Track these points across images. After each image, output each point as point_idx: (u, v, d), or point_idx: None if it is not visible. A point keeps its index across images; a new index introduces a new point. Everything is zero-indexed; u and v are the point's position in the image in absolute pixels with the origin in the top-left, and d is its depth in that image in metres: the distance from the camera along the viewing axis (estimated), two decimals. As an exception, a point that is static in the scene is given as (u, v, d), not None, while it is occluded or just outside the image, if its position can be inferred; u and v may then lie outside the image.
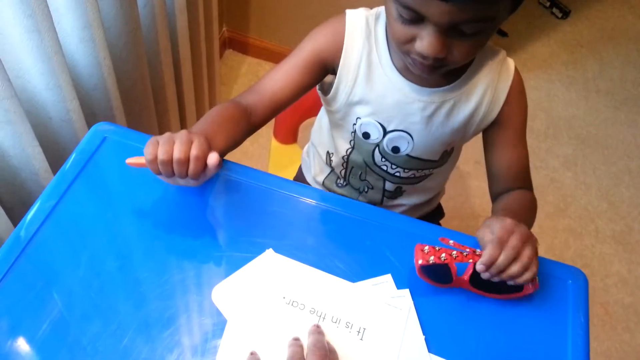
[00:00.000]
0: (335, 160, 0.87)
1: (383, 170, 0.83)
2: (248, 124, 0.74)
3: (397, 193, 0.89)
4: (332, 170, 0.90)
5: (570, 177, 1.76)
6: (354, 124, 0.78)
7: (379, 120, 0.76)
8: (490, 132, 0.79)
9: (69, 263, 0.62)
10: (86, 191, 0.68)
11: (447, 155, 0.82)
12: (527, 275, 0.60)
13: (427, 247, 0.61)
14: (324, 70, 0.76)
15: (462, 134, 0.78)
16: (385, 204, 0.91)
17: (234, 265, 0.64)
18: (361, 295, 0.63)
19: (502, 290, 0.64)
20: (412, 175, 0.84)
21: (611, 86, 2.08)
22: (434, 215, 1.02)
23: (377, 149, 0.80)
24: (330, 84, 0.78)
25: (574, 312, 0.65)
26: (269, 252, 0.66)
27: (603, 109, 2.00)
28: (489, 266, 0.59)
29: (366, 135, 0.78)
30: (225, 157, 0.71)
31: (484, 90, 0.73)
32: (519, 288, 0.64)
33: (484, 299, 0.65)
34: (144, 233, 0.65)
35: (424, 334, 0.61)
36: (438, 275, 0.64)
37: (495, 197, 0.81)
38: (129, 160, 0.62)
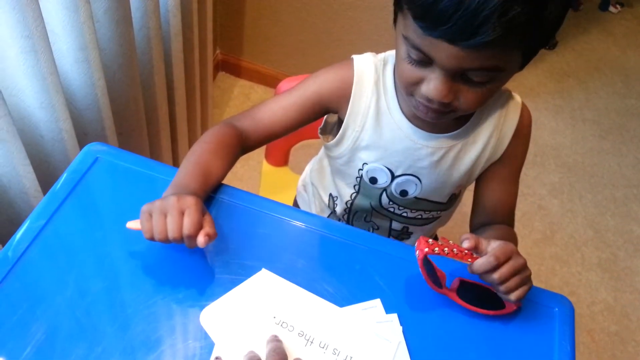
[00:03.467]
0: (338, 204, 0.87)
1: (390, 211, 0.83)
2: (242, 148, 0.76)
3: (404, 234, 0.88)
4: (334, 212, 0.90)
5: (557, 204, 1.78)
6: (360, 169, 0.78)
7: (386, 165, 0.76)
8: (489, 166, 0.79)
9: (56, 284, 0.61)
10: (76, 212, 0.68)
11: (454, 197, 0.83)
12: (521, 291, 0.61)
13: (431, 240, 0.61)
14: (325, 112, 0.77)
15: (469, 176, 0.78)
16: None
17: (223, 287, 0.64)
18: (350, 322, 0.63)
19: (486, 306, 0.65)
20: (420, 216, 0.84)
21: (597, 115, 2.13)
22: None
23: (384, 192, 0.80)
24: (333, 126, 0.79)
25: (560, 340, 0.66)
26: (264, 271, 0.66)
27: (589, 137, 2.04)
28: (479, 272, 0.60)
29: (373, 180, 0.79)
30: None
31: (491, 133, 0.74)
32: (502, 305, 0.65)
33: (474, 327, 0.65)
34: (133, 255, 0.65)
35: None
36: (433, 274, 0.64)
37: (476, 227, 0.81)
38: (129, 225, 0.62)
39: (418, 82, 0.62)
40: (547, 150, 1.95)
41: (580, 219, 1.75)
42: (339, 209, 0.88)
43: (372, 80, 0.72)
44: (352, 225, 0.89)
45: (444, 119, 0.67)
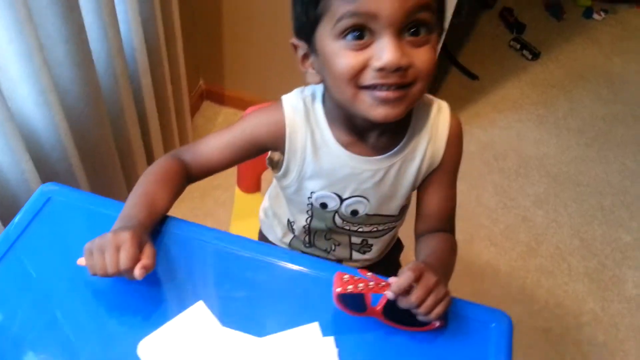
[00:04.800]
0: (297, 228, 0.89)
1: (346, 229, 0.85)
2: (186, 179, 0.79)
3: (365, 247, 0.90)
4: (295, 236, 0.92)
5: (542, 215, 1.78)
6: (309, 197, 0.80)
7: (333, 191, 0.78)
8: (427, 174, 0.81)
9: (3, 320, 0.64)
10: (26, 252, 0.71)
11: (405, 208, 0.85)
12: (437, 311, 0.62)
13: (347, 276, 0.62)
14: (264, 150, 0.79)
15: (412, 188, 0.80)
16: (355, 259, 0.93)
17: (163, 318, 0.65)
18: (278, 350, 0.64)
19: (412, 323, 0.66)
20: (375, 229, 0.86)
21: (581, 124, 2.13)
22: (394, 248, 1.03)
23: (336, 214, 0.82)
24: (279, 161, 0.81)
25: (496, 355, 0.66)
26: (200, 304, 0.68)
27: (574, 146, 2.04)
28: (397, 293, 0.61)
29: (324, 206, 0.81)
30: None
31: (426, 145, 0.76)
32: (427, 322, 0.66)
33: (411, 346, 0.66)
34: (78, 290, 0.67)
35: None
36: (354, 303, 0.65)
37: (419, 234, 0.83)
38: (79, 262, 0.65)
39: (365, 65, 0.60)
40: (531, 161, 1.96)
41: (566, 229, 1.75)
42: (297, 232, 0.90)
43: (303, 117, 0.74)
44: (314, 243, 0.91)
45: (404, 104, 0.64)
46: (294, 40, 0.69)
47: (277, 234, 0.96)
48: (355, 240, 0.88)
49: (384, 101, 0.62)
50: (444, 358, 0.65)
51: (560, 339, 1.47)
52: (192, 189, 1.82)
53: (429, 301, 0.61)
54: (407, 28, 0.60)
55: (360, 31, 0.59)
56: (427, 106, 0.76)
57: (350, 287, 0.61)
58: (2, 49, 0.81)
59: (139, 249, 0.63)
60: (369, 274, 0.64)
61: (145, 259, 0.62)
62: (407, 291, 0.61)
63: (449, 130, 0.77)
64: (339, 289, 0.61)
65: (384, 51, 0.59)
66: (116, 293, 0.68)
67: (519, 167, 1.93)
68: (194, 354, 0.64)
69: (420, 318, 0.63)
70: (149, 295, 0.68)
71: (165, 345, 0.64)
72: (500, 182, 1.87)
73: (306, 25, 0.64)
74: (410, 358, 0.65)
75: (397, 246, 1.05)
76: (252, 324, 0.66)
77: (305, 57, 0.69)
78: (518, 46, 2.42)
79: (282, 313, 0.69)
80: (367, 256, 0.92)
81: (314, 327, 0.67)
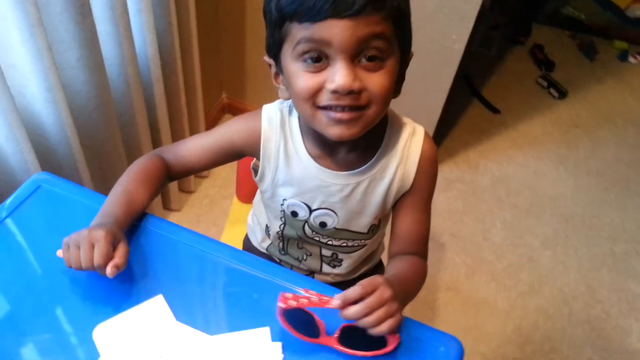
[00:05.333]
0: (272, 234, 0.92)
1: (316, 240, 0.87)
2: (167, 178, 0.83)
3: (335, 261, 0.92)
4: (271, 242, 0.96)
5: (549, 256, 1.74)
6: (282, 204, 0.83)
7: (303, 201, 0.81)
8: (400, 196, 0.82)
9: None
10: (10, 233, 0.76)
11: (376, 228, 0.86)
12: (388, 324, 0.61)
13: (289, 294, 0.64)
14: (241, 155, 0.83)
15: (383, 207, 0.82)
16: (325, 272, 0.94)
17: (122, 307, 0.69)
18: (226, 351, 0.67)
19: (369, 347, 0.66)
20: (345, 244, 0.88)
21: (603, 167, 2.08)
22: (376, 269, 1.03)
23: (306, 224, 0.84)
24: (257, 167, 0.84)
25: (442, 380, 0.66)
26: (159, 298, 0.71)
27: (592, 189, 1.99)
28: (343, 302, 0.61)
29: (294, 214, 0.83)
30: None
31: (396, 167, 0.78)
32: (384, 344, 0.66)
33: (354, 358, 0.67)
34: (49, 273, 0.72)
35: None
36: (302, 326, 0.66)
37: (391, 256, 0.84)
38: (58, 253, 0.69)
39: (321, 87, 0.63)
40: (545, 200, 1.92)
41: (573, 273, 1.70)
42: (272, 238, 0.93)
43: (279, 125, 0.78)
44: (288, 251, 0.93)
45: (359, 125, 0.66)
46: (266, 58, 0.73)
47: (257, 238, 0.99)
48: (326, 252, 0.90)
49: (339, 121, 0.65)
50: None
51: (552, 385, 1.43)
52: (201, 197, 1.88)
53: (380, 312, 0.61)
54: (362, 54, 0.62)
55: (316, 55, 0.62)
56: (401, 128, 0.78)
57: (293, 302, 0.63)
58: (15, 49, 0.88)
59: (113, 246, 0.67)
60: (312, 292, 0.65)
61: (117, 258, 0.66)
62: (354, 303, 0.61)
63: (421, 154, 0.78)
64: (282, 305, 0.63)
65: (337, 75, 0.62)
66: (82, 281, 0.72)
67: (531, 206, 1.89)
68: (145, 343, 0.67)
69: (371, 331, 0.62)
70: (113, 285, 0.71)
71: (120, 333, 0.67)
72: (510, 218, 1.84)
73: (273, 46, 0.68)
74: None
75: (378, 268, 1.06)
76: (206, 322, 0.69)
77: (277, 74, 0.73)
78: (545, 84, 2.40)
79: (236, 315, 0.71)
80: (337, 270, 0.93)
81: (265, 332, 0.69)
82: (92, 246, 0.65)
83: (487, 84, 2.41)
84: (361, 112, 0.65)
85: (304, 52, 0.63)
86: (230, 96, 2.03)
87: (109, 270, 0.65)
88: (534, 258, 1.73)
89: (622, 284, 1.68)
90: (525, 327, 1.54)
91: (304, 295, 0.64)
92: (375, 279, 0.63)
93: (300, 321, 0.66)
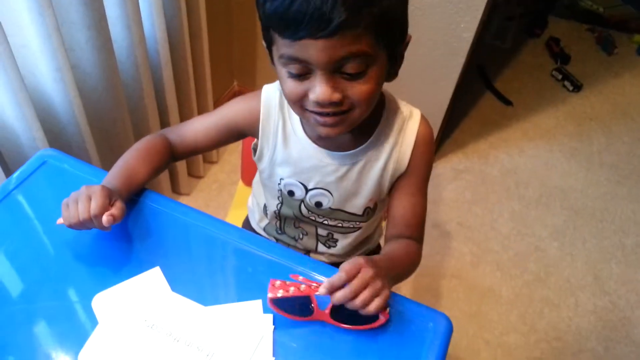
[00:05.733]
0: (269, 213, 0.95)
1: (312, 220, 0.89)
2: (170, 157, 0.86)
3: (330, 241, 0.94)
4: (269, 221, 0.98)
5: (557, 247, 1.73)
6: (279, 183, 0.85)
7: (300, 180, 0.83)
8: (396, 180, 0.83)
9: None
10: (17, 203, 0.80)
11: (371, 211, 0.87)
12: (375, 304, 0.63)
13: (278, 282, 0.66)
14: (243, 135, 0.85)
15: (378, 190, 0.83)
16: (320, 251, 0.96)
17: (121, 277, 0.72)
18: (219, 321, 0.69)
19: (359, 322, 0.68)
20: (340, 225, 0.89)
21: (617, 160, 2.05)
22: (373, 253, 1.04)
23: (302, 204, 0.87)
24: (257, 146, 0.87)
25: (428, 353, 0.67)
26: (156, 270, 0.74)
27: (604, 182, 1.96)
28: (329, 289, 0.63)
29: (291, 193, 0.86)
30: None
31: (391, 149, 0.79)
32: (374, 319, 0.67)
33: (344, 332, 0.69)
34: (52, 241, 0.75)
35: (277, 358, 0.65)
36: (295, 308, 0.68)
37: (389, 238, 0.85)
38: (59, 221, 0.72)
39: (305, 95, 0.66)
40: (555, 192, 1.90)
41: (580, 264, 1.69)
42: (269, 217, 0.95)
43: (278, 105, 0.80)
44: (285, 230, 0.95)
45: (344, 125, 0.69)
46: (264, 43, 0.74)
47: (256, 218, 1.01)
48: (322, 232, 0.92)
49: (324, 124, 0.68)
50: (377, 352, 0.67)
51: (555, 374, 1.42)
52: (210, 182, 1.91)
53: (366, 294, 0.63)
54: (342, 68, 0.63)
55: (299, 65, 0.64)
56: (398, 111, 0.79)
57: (280, 292, 0.65)
58: (25, 28, 0.91)
59: (109, 201, 0.70)
60: (301, 277, 0.67)
61: (114, 209, 0.69)
62: (340, 288, 0.63)
63: (417, 137, 0.79)
64: (270, 295, 0.65)
65: (317, 88, 0.64)
66: (84, 252, 0.75)
67: (541, 197, 1.88)
68: (142, 311, 0.69)
69: (362, 311, 0.64)
70: (113, 257, 0.75)
71: (117, 301, 0.70)
72: (519, 209, 1.83)
73: (265, 40, 0.70)
74: (342, 346, 0.68)
75: (376, 252, 1.07)
76: (200, 294, 0.71)
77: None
78: (560, 76, 2.37)
79: (230, 288, 0.74)
80: (332, 251, 0.95)
81: (257, 304, 0.71)
82: (89, 199, 0.68)
83: (500, 75, 2.39)
84: (345, 116, 0.68)
85: (288, 64, 0.65)
86: (241, 84, 2.05)
87: (105, 219, 0.67)
88: (541, 248, 1.72)
89: (631, 275, 1.66)
90: (530, 316, 1.53)
91: (293, 282, 0.66)
92: (357, 260, 0.65)
93: (292, 302, 0.67)
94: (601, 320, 1.54)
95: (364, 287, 0.63)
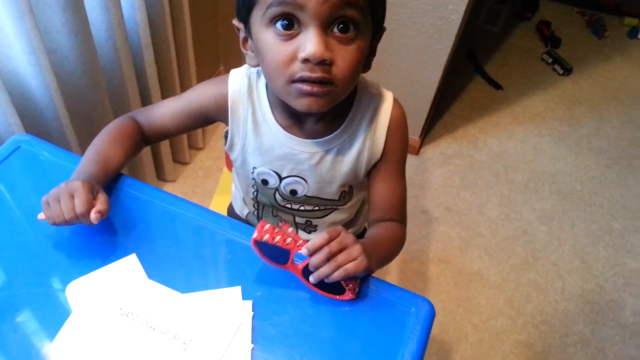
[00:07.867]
0: (247, 201, 0.93)
1: (288, 208, 0.88)
2: (142, 140, 0.83)
3: (310, 227, 0.93)
4: (249, 210, 0.96)
5: (545, 231, 1.73)
6: (252, 172, 0.83)
7: (272, 169, 0.81)
8: (373, 165, 0.82)
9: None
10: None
11: (347, 194, 0.86)
12: (348, 267, 0.63)
13: (268, 226, 0.65)
14: (211, 120, 0.82)
15: (354, 175, 0.81)
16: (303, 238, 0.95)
17: (96, 265, 0.70)
18: (196, 308, 0.67)
19: (326, 289, 0.68)
20: (317, 209, 0.88)
21: (606, 144, 2.05)
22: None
23: (277, 192, 0.85)
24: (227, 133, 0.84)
25: (409, 338, 0.66)
26: (132, 257, 0.72)
27: (593, 166, 1.96)
28: (311, 251, 0.63)
29: (265, 182, 0.84)
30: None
31: (365, 135, 0.77)
32: (341, 290, 0.68)
33: (326, 320, 0.68)
34: (26, 230, 0.73)
35: (256, 344, 0.64)
36: (273, 253, 0.68)
37: (370, 223, 0.84)
38: (40, 216, 0.69)
39: (294, 56, 0.62)
40: (543, 176, 1.90)
41: (568, 248, 1.69)
42: (248, 205, 0.94)
43: (246, 93, 0.77)
44: (263, 218, 0.94)
45: (328, 99, 0.66)
46: (235, 22, 0.71)
47: (238, 206, 1.00)
48: (300, 220, 0.91)
49: (309, 94, 0.64)
50: (358, 338, 0.67)
51: (542, 357, 1.43)
52: (196, 168, 1.89)
53: (340, 257, 0.63)
54: (335, 23, 0.61)
55: (288, 20, 0.61)
56: (370, 96, 0.77)
57: (266, 236, 0.64)
58: (-3, 9, 0.88)
59: (92, 195, 0.67)
60: (290, 229, 0.66)
61: (99, 204, 0.67)
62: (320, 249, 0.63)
63: (390, 121, 0.78)
64: (255, 235, 0.64)
65: (308, 43, 0.60)
66: (58, 239, 0.73)
67: (529, 181, 1.88)
68: (117, 300, 0.68)
69: (331, 277, 0.64)
70: (88, 244, 0.73)
71: (92, 290, 0.68)
72: (507, 193, 1.83)
73: (243, 8, 0.66)
74: (323, 331, 0.67)
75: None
76: (178, 281, 0.70)
77: (245, 39, 0.71)
78: (550, 60, 2.36)
79: (209, 275, 0.72)
80: (313, 236, 0.93)
81: (236, 291, 0.70)
82: (72, 197, 0.66)
83: (490, 60, 2.37)
84: (331, 87, 0.64)
85: (275, 17, 0.61)
86: (227, 69, 2.02)
87: (93, 216, 0.65)
88: (529, 232, 1.72)
89: (619, 259, 1.67)
90: (517, 300, 1.54)
91: (282, 231, 0.65)
92: (337, 228, 0.65)
93: (273, 247, 0.66)
94: (588, 304, 1.55)
95: (340, 249, 0.64)
